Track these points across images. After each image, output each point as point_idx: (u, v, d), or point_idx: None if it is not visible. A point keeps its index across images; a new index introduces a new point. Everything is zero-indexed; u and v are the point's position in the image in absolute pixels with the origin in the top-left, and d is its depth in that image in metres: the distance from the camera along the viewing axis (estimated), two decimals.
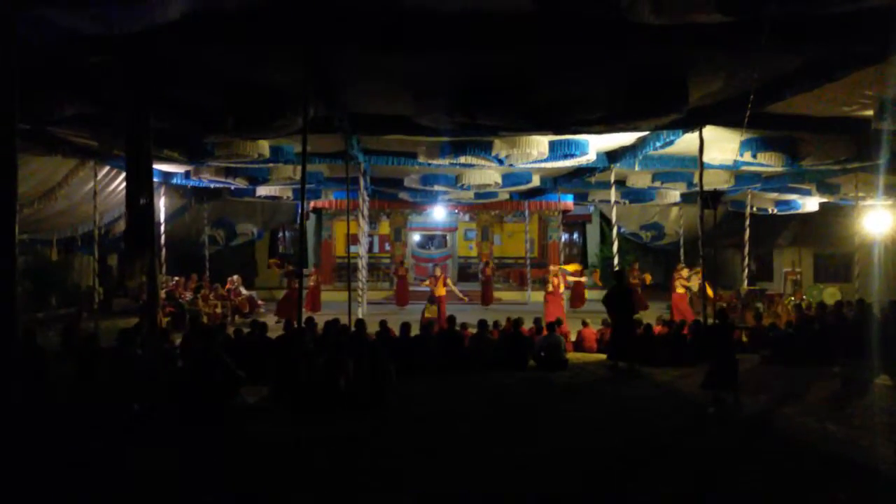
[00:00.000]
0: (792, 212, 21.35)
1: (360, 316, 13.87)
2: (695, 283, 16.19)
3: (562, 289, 16.28)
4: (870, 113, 9.77)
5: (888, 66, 7.76)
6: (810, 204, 20.51)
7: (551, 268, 17.01)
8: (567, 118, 9.61)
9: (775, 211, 21.48)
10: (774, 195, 20.26)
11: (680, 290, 16.24)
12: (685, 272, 16.65)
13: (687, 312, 15.57)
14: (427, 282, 18.77)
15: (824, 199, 19.40)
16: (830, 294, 18.52)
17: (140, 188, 8.68)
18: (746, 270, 20.02)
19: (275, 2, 6.56)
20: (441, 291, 17.31)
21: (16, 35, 5.84)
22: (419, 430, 7.68)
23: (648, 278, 19.17)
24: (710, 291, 12.46)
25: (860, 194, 16.69)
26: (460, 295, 19.59)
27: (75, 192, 14.51)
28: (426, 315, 15.22)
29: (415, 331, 11.62)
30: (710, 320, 11.68)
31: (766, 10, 5.78)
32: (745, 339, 12.95)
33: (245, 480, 5.97)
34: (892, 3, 5.99)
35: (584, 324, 13.63)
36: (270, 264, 18.29)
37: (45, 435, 6.96)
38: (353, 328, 11.25)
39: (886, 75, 8.13)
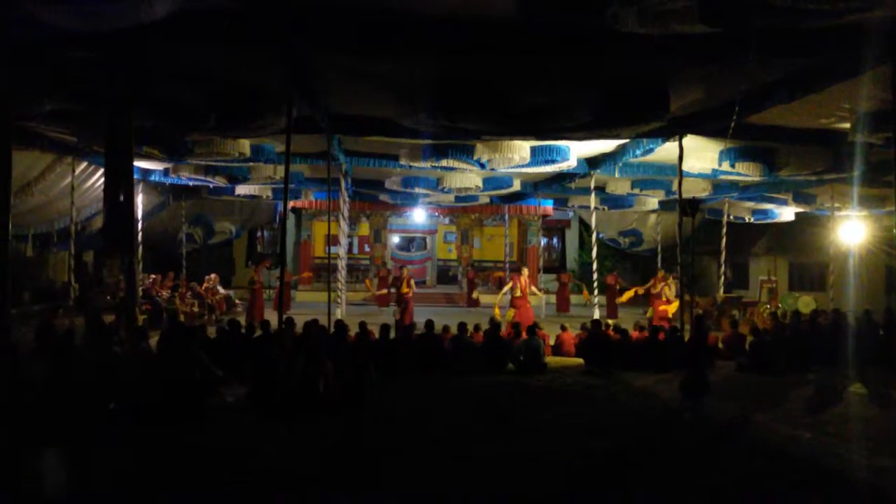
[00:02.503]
0: (768, 221, 21.60)
1: (340, 317, 13.83)
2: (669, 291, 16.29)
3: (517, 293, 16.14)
4: (847, 125, 9.93)
5: (865, 81, 7.88)
6: (786, 213, 20.75)
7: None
8: (549, 124, 9.66)
9: (752, 220, 21.71)
10: (751, 204, 20.50)
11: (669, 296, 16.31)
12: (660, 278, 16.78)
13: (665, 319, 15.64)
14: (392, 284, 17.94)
15: (800, 209, 19.64)
16: (805, 303, 18.69)
17: (119, 185, 8.61)
18: (723, 278, 20.19)
19: (260, 3, 6.55)
20: (405, 290, 16.40)
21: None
22: (398, 432, 7.68)
23: (629, 294, 18.91)
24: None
25: (836, 205, 16.94)
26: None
27: (52, 187, 14.34)
28: (394, 317, 15.21)
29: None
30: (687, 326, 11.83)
31: (750, 22, 5.85)
32: (720, 346, 13.05)
33: (222, 480, 5.94)
34: (870, 20, 6.08)
35: (563, 328, 13.68)
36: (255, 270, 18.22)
37: (18, 434, 6.88)
38: (332, 329, 11.23)
39: (863, 89, 8.25)
